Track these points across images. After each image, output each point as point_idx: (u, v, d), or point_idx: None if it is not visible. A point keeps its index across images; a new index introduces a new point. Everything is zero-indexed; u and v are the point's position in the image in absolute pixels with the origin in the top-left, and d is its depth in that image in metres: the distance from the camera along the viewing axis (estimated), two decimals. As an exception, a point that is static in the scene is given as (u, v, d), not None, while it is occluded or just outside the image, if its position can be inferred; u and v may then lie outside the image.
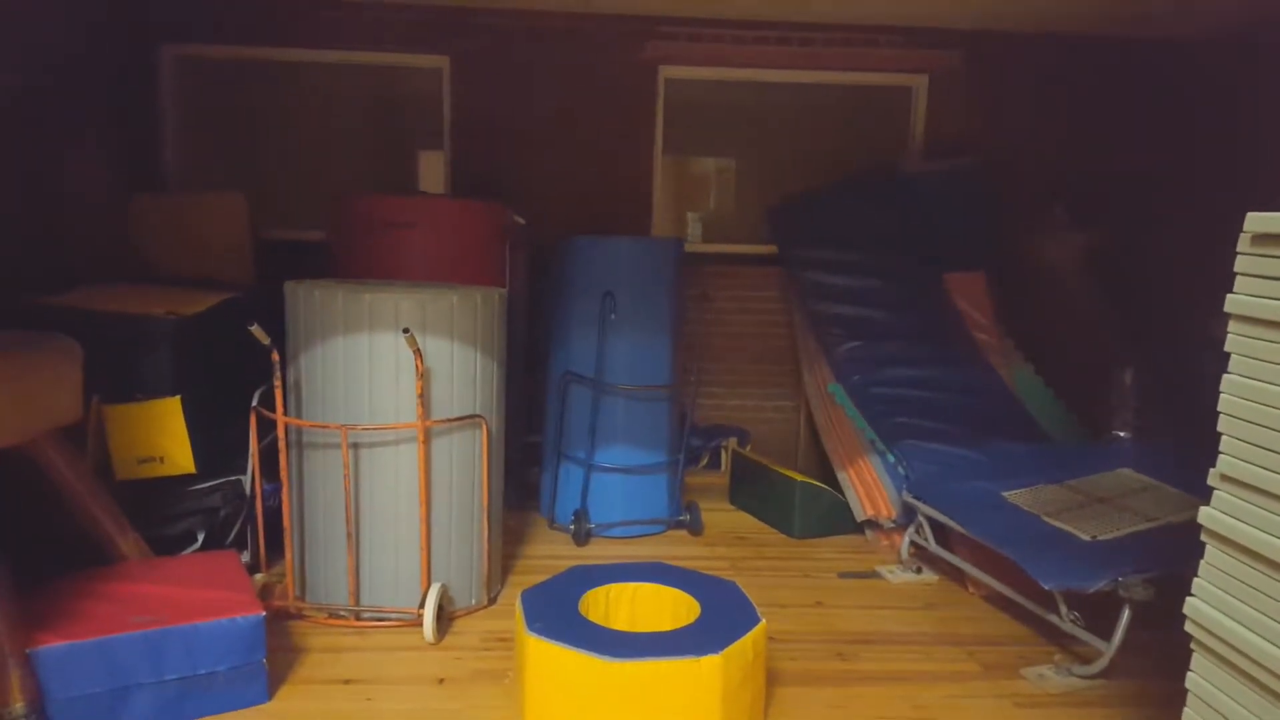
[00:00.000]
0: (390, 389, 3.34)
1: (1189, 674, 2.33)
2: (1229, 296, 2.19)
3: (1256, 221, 2.12)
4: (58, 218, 4.40)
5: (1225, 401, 2.21)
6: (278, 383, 3.38)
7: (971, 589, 3.98)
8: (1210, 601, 2.26)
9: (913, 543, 4.21)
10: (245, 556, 3.76)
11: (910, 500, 4.19)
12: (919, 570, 4.20)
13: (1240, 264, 2.16)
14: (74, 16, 4.50)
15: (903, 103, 5.72)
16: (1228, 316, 2.21)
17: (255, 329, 3.27)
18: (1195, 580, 2.31)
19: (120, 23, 4.91)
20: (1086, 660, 3.29)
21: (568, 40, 5.31)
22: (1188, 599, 2.32)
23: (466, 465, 3.54)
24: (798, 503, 4.62)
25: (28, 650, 2.54)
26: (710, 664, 2.59)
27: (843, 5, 4.92)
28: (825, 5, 4.94)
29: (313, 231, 5.05)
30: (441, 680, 3.12)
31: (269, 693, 2.92)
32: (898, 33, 5.41)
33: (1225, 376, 2.21)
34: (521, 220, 4.87)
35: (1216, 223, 2.50)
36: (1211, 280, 2.42)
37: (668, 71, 5.51)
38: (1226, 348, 2.21)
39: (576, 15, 5.22)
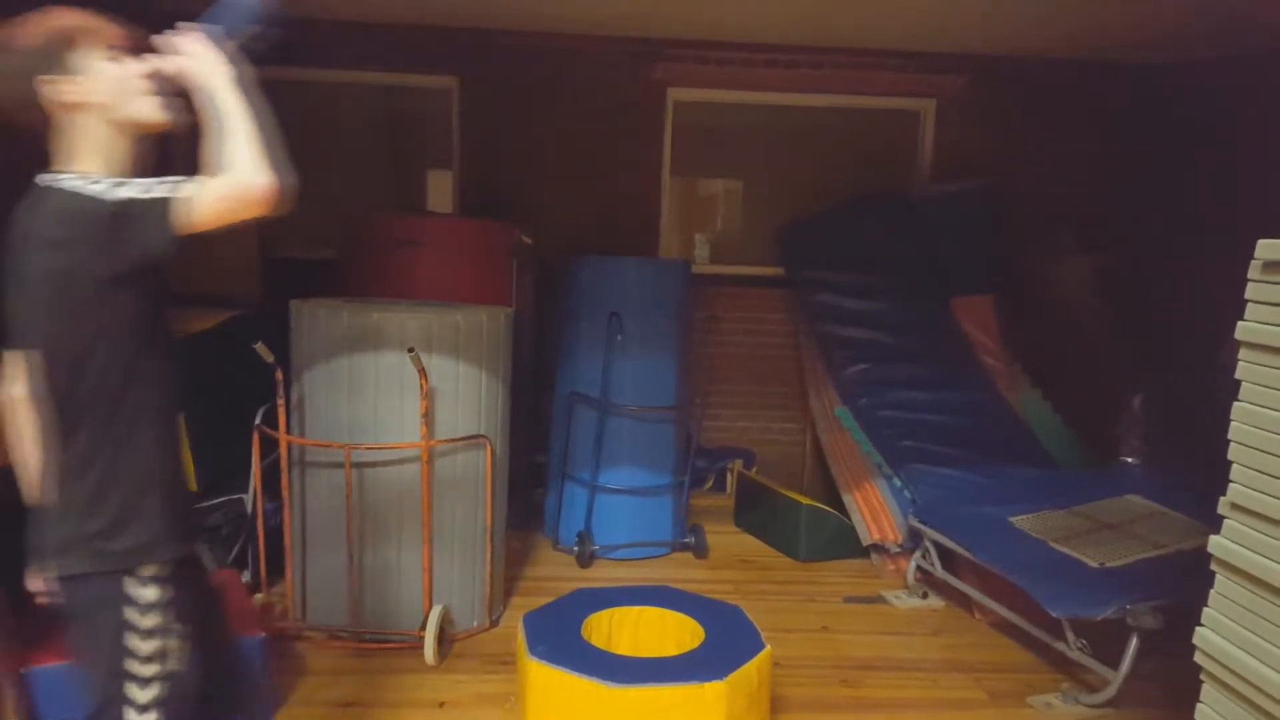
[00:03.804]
0: (394, 409, 3.33)
1: (1199, 705, 2.30)
2: (1240, 324, 2.17)
3: (1268, 249, 2.10)
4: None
5: (1236, 429, 2.19)
6: (281, 401, 3.37)
7: (978, 615, 3.95)
8: (1220, 632, 2.23)
9: (919, 568, 4.18)
10: (246, 576, 3.74)
11: (916, 525, 4.16)
12: (925, 595, 4.16)
13: (1251, 291, 2.15)
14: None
15: (910, 126, 5.73)
16: (1238, 343, 2.19)
17: (260, 347, 3.26)
18: (1205, 610, 2.28)
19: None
20: (1094, 689, 3.25)
21: (577, 61, 5.33)
22: (1197, 629, 2.29)
23: (470, 486, 3.53)
24: (803, 526, 4.59)
25: (22, 671, 2.52)
26: (715, 690, 2.56)
27: (852, 29, 4.94)
28: (834, 29, 4.95)
29: (320, 250, 5.05)
30: (442, 704, 3.09)
31: (268, 715, 2.89)
32: (906, 57, 5.42)
33: (1236, 404, 2.19)
34: (529, 240, 4.88)
35: (1227, 247, 2.49)
36: (1222, 305, 2.40)
37: (676, 93, 5.53)
38: (1237, 375, 2.19)
39: (586, 37, 5.24)
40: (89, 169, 1.63)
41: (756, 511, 5.00)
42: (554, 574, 4.31)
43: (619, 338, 4.38)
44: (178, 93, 1.68)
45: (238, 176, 1.55)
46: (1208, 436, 2.42)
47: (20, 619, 2.69)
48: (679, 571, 4.40)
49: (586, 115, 5.41)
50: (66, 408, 1.64)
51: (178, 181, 1.56)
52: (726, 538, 4.91)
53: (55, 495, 1.66)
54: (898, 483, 4.51)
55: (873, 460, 4.67)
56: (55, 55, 1.60)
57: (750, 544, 4.86)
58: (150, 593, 1.66)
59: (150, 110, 1.68)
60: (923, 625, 3.91)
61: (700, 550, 4.60)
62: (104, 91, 1.63)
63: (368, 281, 4.31)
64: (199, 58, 1.62)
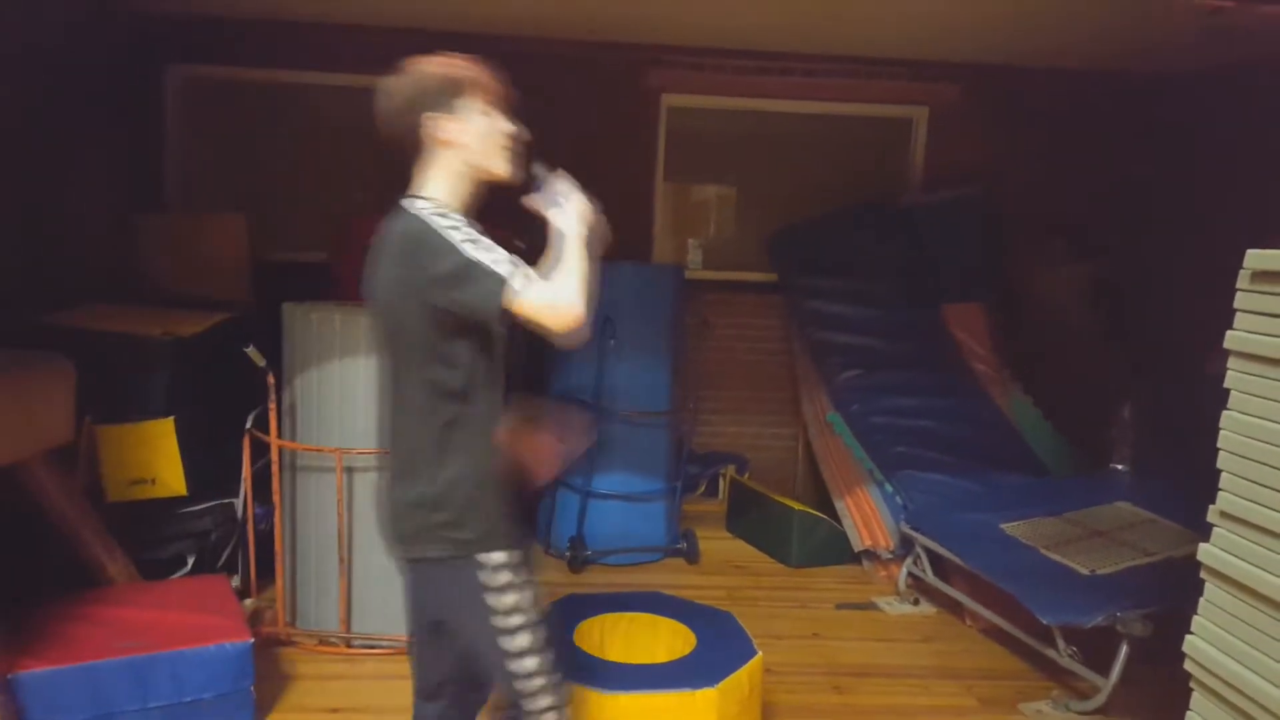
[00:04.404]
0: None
1: (1188, 713, 2.31)
2: (1229, 333, 2.18)
3: (1256, 259, 2.11)
4: (59, 236, 4.39)
5: (1225, 438, 2.20)
6: (272, 405, 3.36)
7: (969, 621, 3.95)
8: (1210, 640, 2.23)
9: (910, 574, 4.18)
10: (235, 581, 3.72)
11: (908, 531, 4.16)
12: (916, 602, 4.16)
13: (1240, 301, 2.16)
14: (80, 36, 4.52)
15: (903, 134, 5.74)
16: (1227, 352, 2.20)
17: (251, 351, 3.26)
18: (1195, 618, 2.29)
19: (126, 43, 4.93)
20: (1084, 696, 3.26)
21: (571, 67, 5.33)
22: (1187, 637, 2.30)
23: (461, 491, 3.51)
24: (795, 532, 4.59)
25: (9, 675, 2.50)
26: (706, 697, 2.56)
27: (845, 37, 4.94)
28: (828, 37, 4.96)
29: (312, 253, 5.04)
30: (432, 709, 3.07)
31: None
32: (899, 65, 5.43)
33: (1225, 413, 2.20)
34: (522, 244, 4.86)
35: (1218, 256, 2.50)
36: (1212, 314, 2.41)
37: (670, 99, 5.52)
38: (1226, 384, 2.20)
39: (580, 43, 5.24)
40: (439, 198, 1.87)
41: (749, 517, 5.00)
42: (546, 579, 4.27)
43: (612, 342, 4.38)
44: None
45: (560, 295, 1.75)
46: (1197, 444, 2.42)
47: (9, 621, 2.68)
48: (671, 577, 4.39)
49: (581, 120, 5.40)
50: (409, 408, 1.86)
51: (517, 266, 1.74)
52: (719, 543, 4.90)
53: (404, 488, 1.88)
54: (889, 489, 4.51)
55: (864, 466, 4.67)
56: (444, 96, 1.85)
57: (742, 549, 4.86)
58: (496, 557, 1.86)
59: (502, 165, 1.93)
60: (914, 632, 3.91)
61: (692, 556, 4.60)
62: (467, 137, 1.87)
63: (360, 285, 4.28)
64: (572, 200, 1.90)
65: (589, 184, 1.83)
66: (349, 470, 3.34)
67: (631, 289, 4.48)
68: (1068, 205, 5.54)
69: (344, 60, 5.23)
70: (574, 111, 5.39)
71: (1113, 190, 5.54)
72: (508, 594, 1.86)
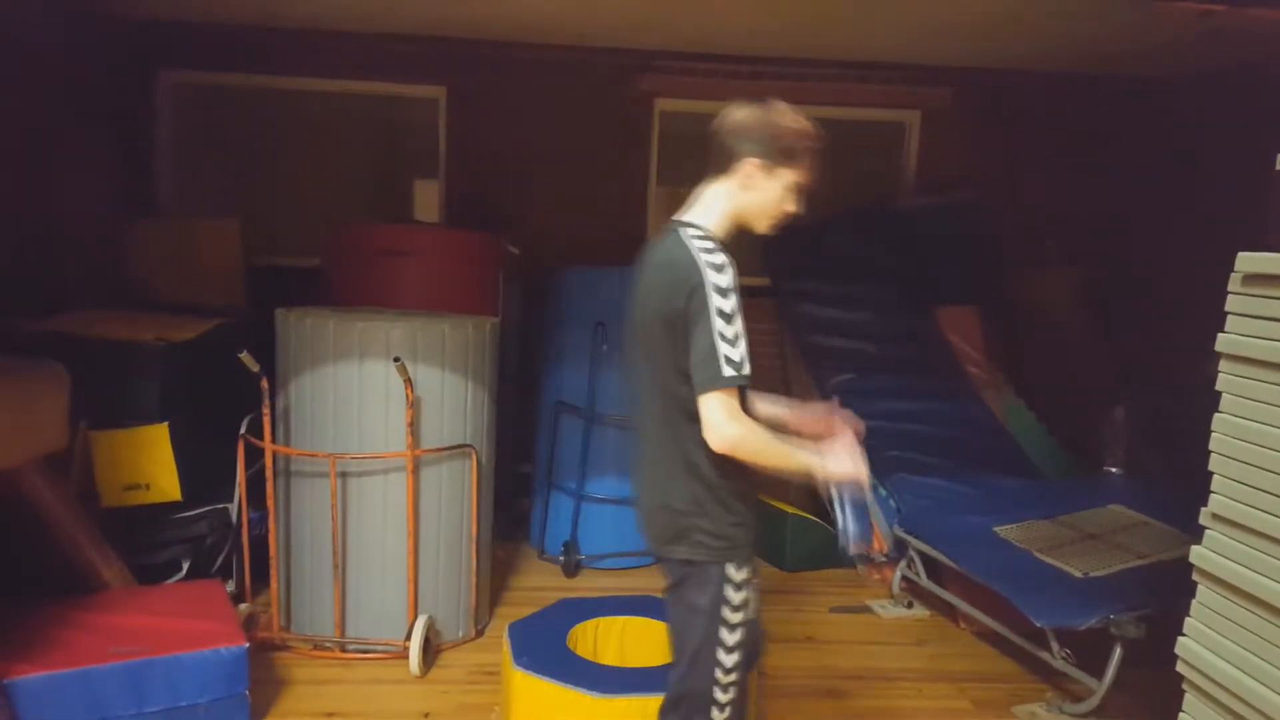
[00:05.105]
0: (380, 418, 3.33)
1: (1181, 715, 2.32)
2: (1220, 336, 2.19)
3: (1247, 261, 2.12)
4: (53, 242, 4.39)
5: (1216, 441, 2.21)
6: (266, 410, 3.36)
7: (963, 625, 3.96)
8: (1202, 642, 2.24)
9: (904, 577, 4.19)
10: (230, 586, 3.71)
11: (902, 535, 4.16)
12: (910, 605, 4.17)
13: (1231, 303, 2.17)
14: (72, 41, 4.52)
15: (895, 138, 5.76)
16: (1219, 355, 2.21)
17: (245, 356, 3.25)
18: (1187, 620, 2.30)
19: (118, 48, 4.93)
20: (1078, 698, 3.27)
21: (564, 72, 5.34)
22: (1179, 639, 2.31)
23: (456, 495, 3.52)
24: (789, 535, 4.59)
25: (4, 681, 2.50)
26: (699, 700, 2.55)
27: (837, 42, 4.96)
28: (819, 41, 4.98)
29: (306, 258, 5.04)
30: (427, 715, 3.07)
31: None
32: (891, 69, 5.45)
33: (1216, 416, 2.21)
34: (515, 250, 4.88)
35: (1209, 260, 2.51)
36: (1204, 317, 2.43)
37: (663, 104, 5.54)
38: (1218, 387, 2.21)
39: (573, 48, 5.25)
40: (706, 224, 1.97)
41: (742, 521, 4.99)
42: (540, 584, 4.30)
43: (604, 347, 4.39)
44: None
45: (733, 436, 1.84)
46: (1190, 447, 2.44)
47: (3, 626, 2.68)
48: (665, 581, 4.38)
49: (574, 125, 5.41)
50: (657, 420, 1.99)
51: (740, 373, 1.82)
52: (713, 547, 4.89)
53: (656, 494, 2.04)
54: (883, 492, 4.51)
55: (858, 470, 4.66)
56: (778, 152, 1.95)
57: (736, 553, 4.85)
58: (741, 559, 2.01)
59: (764, 226, 2.04)
60: (908, 635, 3.92)
61: (686, 560, 4.59)
62: (763, 194, 1.98)
63: (354, 291, 4.30)
64: (844, 459, 1.97)
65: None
66: (343, 475, 3.34)
67: (624, 294, 4.47)
68: (1060, 208, 5.57)
69: (336, 66, 5.24)
70: (567, 116, 5.40)
71: (1105, 192, 5.56)
72: (743, 591, 2.01)
